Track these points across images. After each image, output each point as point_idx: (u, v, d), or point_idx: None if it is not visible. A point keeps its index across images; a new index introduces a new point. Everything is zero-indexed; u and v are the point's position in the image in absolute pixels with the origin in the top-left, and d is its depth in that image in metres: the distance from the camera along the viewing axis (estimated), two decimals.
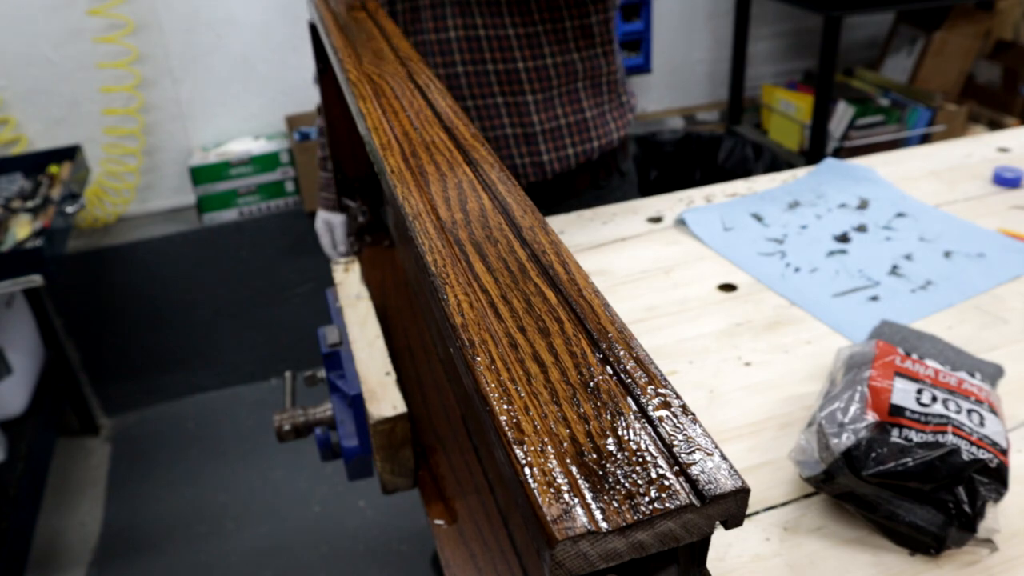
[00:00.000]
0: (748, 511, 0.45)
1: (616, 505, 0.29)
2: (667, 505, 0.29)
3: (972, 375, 0.61)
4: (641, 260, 0.90)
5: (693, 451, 0.32)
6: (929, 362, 0.61)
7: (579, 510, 0.29)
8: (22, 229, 1.80)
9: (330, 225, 1.24)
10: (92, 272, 2.34)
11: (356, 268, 0.87)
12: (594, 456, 0.31)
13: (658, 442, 0.32)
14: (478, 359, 0.36)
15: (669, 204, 1.02)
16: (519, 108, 1.05)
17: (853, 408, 0.56)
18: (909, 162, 1.09)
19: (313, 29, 0.99)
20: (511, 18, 1.00)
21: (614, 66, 1.11)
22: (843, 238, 0.92)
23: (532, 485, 0.30)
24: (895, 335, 0.67)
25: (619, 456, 0.31)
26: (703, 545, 0.33)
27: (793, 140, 2.63)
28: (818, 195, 1.01)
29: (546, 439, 0.32)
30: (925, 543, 0.53)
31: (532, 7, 0.99)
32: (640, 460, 0.31)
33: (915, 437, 0.53)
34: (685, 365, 0.73)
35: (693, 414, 0.34)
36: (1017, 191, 1.00)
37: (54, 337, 2.12)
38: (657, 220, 0.98)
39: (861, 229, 0.93)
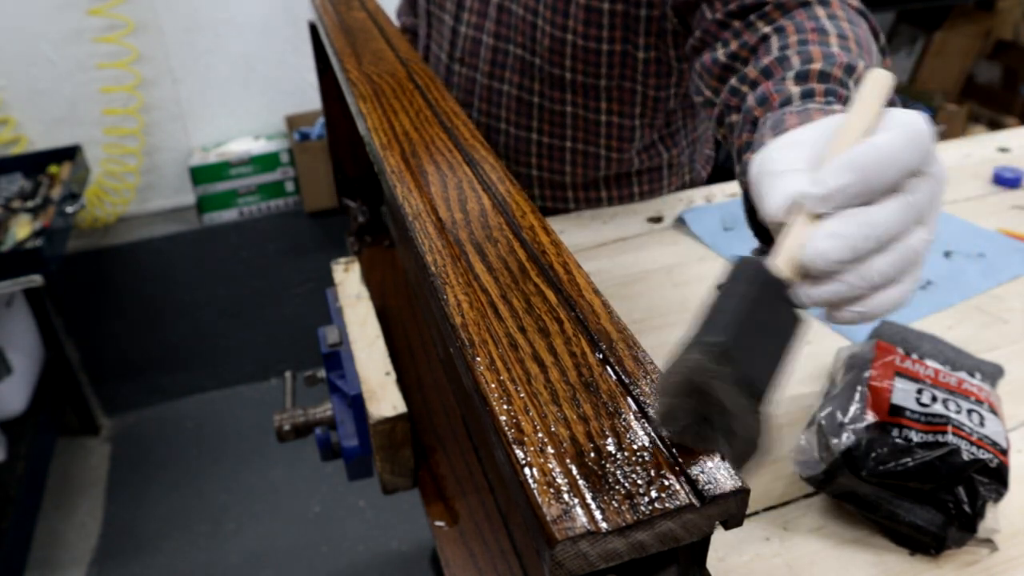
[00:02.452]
0: (748, 511, 0.45)
1: (616, 505, 0.29)
2: (667, 505, 0.29)
3: (972, 375, 0.61)
4: (641, 260, 0.90)
5: (693, 451, 0.32)
6: (929, 362, 0.61)
7: (579, 510, 0.29)
8: (22, 229, 1.80)
9: None
10: (92, 272, 2.34)
11: (356, 268, 0.87)
12: (594, 456, 0.31)
13: (658, 442, 0.32)
14: (478, 359, 0.36)
15: (669, 204, 1.02)
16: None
17: (853, 408, 0.56)
18: None
19: (313, 29, 0.99)
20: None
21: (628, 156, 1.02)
22: None
23: (532, 485, 0.30)
24: (895, 335, 0.67)
25: (619, 456, 0.31)
26: (703, 545, 0.33)
27: None
28: None
29: (546, 439, 0.32)
30: (925, 543, 0.53)
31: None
32: (640, 460, 0.31)
33: (915, 437, 0.53)
34: None
35: None
36: (1017, 191, 1.00)
37: (54, 337, 2.12)
38: (657, 220, 0.98)
39: None
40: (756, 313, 0.35)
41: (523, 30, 0.92)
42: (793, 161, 0.40)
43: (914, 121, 0.38)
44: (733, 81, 0.65)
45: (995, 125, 2.60)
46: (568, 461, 0.31)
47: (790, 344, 0.37)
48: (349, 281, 0.85)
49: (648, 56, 0.90)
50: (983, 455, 0.52)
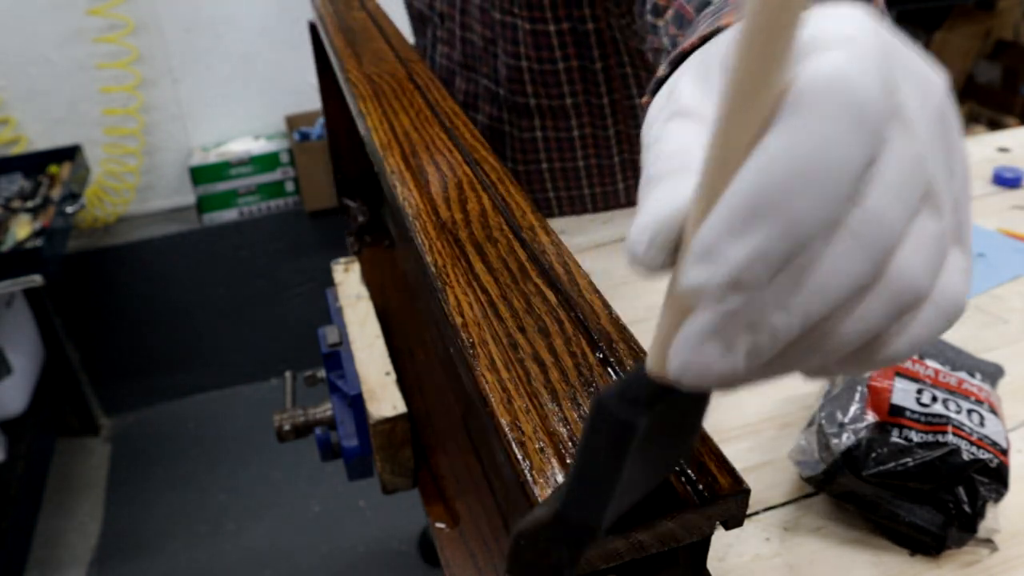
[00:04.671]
0: (748, 511, 0.45)
1: None
2: (667, 505, 0.29)
3: (972, 375, 0.61)
4: None
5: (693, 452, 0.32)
6: (929, 362, 0.61)
7: None
8: (22, 229, 1.80)
9: None
10: (92, 272, 2.34)
11: (356, 268, 0.87)
12: None
13: None
14: (478, 359, 0.36)
15: None
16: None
17: (853, 408, 0.56)
18: None
19: (313, 29, 0.99)
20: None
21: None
22: None
23: (532, 485, 0.30)
24: None
25: None
26: (703, 545, 0.33)
27: None
28: None
29: (546, 439, 0.32)
30: (925, 543, 0.53)
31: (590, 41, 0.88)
32: None
33: (915, 437, 0.53)
34: None
35: None
36: (1017, 191, 1.00)
37: (54, 337, 2.12)
38: None
39: None
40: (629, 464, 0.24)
41: (486, 60, 0.91)
42: (673, 156, 0.24)
43: (842, 68, 0.19)
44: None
45: (995, 125, 2.60)
46: (568, 461, 0.31)
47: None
48: (349, 281, 0.85)
49: (607, 64, 0.87)
50: (983, 455, 0.52)
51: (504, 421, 0.33)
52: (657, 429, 0.25)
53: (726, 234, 0.20)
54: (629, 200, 1.02)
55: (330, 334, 0.79)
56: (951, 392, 0.57)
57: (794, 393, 0.68)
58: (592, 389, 0.35)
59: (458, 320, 0.39)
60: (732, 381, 0.22)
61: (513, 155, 0.97)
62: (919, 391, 0.57)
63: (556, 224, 0.98)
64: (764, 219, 0.20)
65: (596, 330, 0.38)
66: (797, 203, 0.19)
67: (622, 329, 0.38)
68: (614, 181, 1.00)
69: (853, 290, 0.21)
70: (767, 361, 0.22)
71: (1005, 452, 0.54)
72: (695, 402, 0.26)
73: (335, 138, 1.04)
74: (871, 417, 0.55)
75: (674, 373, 0.23)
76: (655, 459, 0.27)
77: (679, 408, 0.26)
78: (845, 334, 0.22)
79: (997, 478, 0.52)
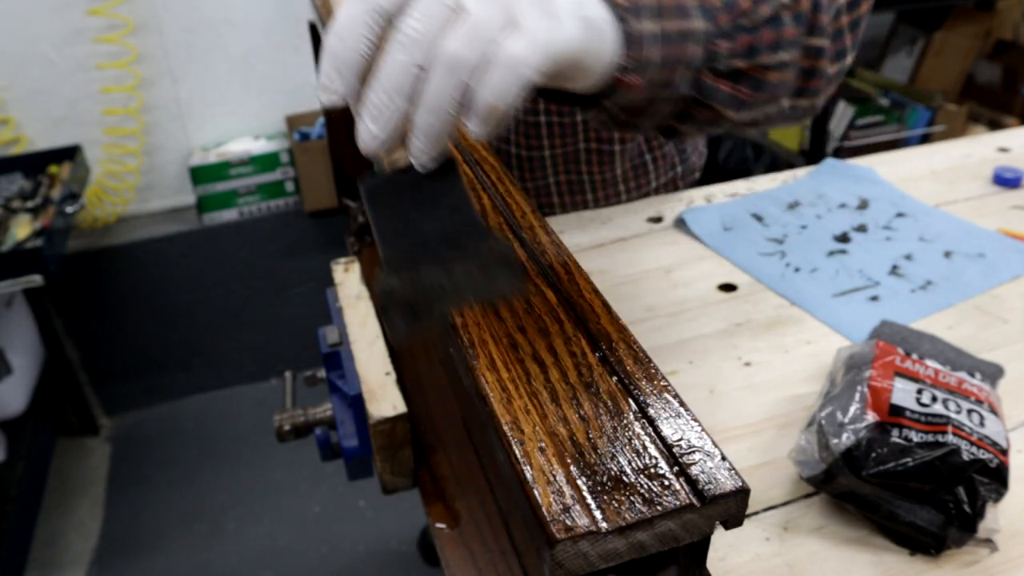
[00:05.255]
0: (748, 511, 0.45)
1: (616, 505, 0.29)
2: (667, 505, 0.29)
3: (972, 375, 0.61)
4: (641, 260, 0.90)
5: (693, 451, 0.32)
6: (929, 362, 0.61)
7: (579, 510, 0.29)
8: (22, 229, 1.80)
9: None
10: (92, 272, 2.34)
11: (356, 268, 0.87)
12: (594, 456, 0.31)
13: (658, 442, 0.32)
14: (478, 359, 0.36)
15: (669, 204, 1.02)
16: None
17: (853, 408, 0.56)
18: (909, 162, 1.09)
19: (313, 29, 0.99)
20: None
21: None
22: (843, 238, 0.92)
23: (532, 485, 0.30)
24: (895, 335, 0.67)
25: (619, 456, 0.31)
26: (703, 545, 0.33)
27: (793, 140, 2.62)
28: (818, 195, 1.01)
29: (546, 439, 0.32)
30: (925, 543, 0.53)
31: None
32: (640, 460, 0.31)
33: (915, 437, 0.53)
34: (685, 365, 0.73)
35: (693, 414, 0.34)
36: (1017, 191, 1.00)
37: (54, 337, 2.12)
38: (657, 220, 0.98)
39: (861, 229, 0.93)
40: (396, 207, 0.38)
41: None
42: None
43: None
44: None
45: (995, 125, 2.60)
46: (568, 461, 0.31)
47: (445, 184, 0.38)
48: (349, 281, 0.85)
49: None
50: (983, 455, 0.52)
51: (504, 421, 0.33)
52: (412, 190, 0.38)
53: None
54: (627, 191, 1.05)
55: (330, 334, 0.79)
56: (951, 392, 0.57)
57: (794, 393, 0.68)
58: (592, 389, 0.35)
59: (458, 320, 0.39)
60: (375, 134, 0.36)
61: (517, 139, 0.98)
62: (919, 391, 0.56)
63: (556, 224, 0.98)
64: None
65: (596, 330, 0.38)
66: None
67: (622, 329, 0.38)
68: (614, 174, 1.02)
69: (360, 42, 0.36)
70: (388, 117, 0.36)
71: (1005, 452, 0.54)
72: (434, 175, 0.38)
73: (335, 138, 1.05)
74: (871, 417, 0.55)
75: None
76: (440, 212, 0.38)
77: (423, 179, 0.38)
78: (402, 82, 0.35)
79: (997, 478, 0.52)
